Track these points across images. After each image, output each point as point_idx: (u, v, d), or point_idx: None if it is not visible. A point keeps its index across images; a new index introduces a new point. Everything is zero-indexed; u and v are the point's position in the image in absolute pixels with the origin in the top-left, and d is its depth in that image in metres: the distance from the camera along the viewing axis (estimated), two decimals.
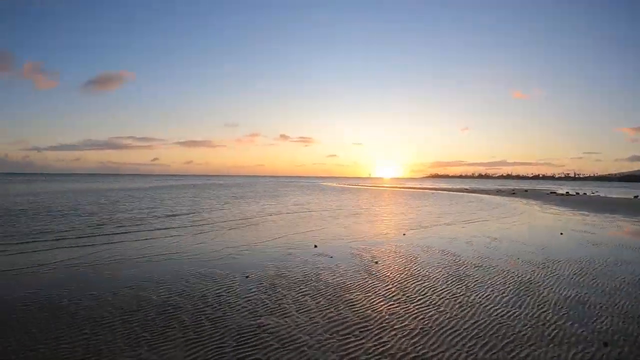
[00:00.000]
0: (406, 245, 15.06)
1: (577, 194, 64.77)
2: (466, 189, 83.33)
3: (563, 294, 9.03)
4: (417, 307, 8.18)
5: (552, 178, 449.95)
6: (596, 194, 69.26)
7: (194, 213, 26.18)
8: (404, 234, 17.85)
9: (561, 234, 18.49)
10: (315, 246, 14.76)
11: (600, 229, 20.73)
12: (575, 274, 10.93)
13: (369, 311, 7.86)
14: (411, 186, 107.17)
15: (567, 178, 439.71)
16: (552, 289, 9.47)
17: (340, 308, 8.00)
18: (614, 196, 60.07)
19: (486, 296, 8.89)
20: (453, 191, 72.78)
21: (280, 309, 7.90)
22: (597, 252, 14.11)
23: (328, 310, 7.84)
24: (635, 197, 56.88)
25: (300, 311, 7.79)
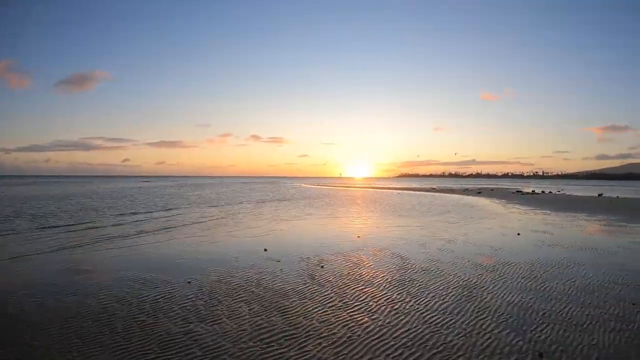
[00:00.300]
0: (357, 248, 14.53)
1: (543, 192, 65.45)
2: (434, 189, 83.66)
3: (506, 300, 8.55)
4: (350, 314, 7.69)
5: (521, 176, 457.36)
6: (562, 192, 70.14)
7: (148, 212, 25.21)
8: (357, 237, 17.30)
9: (518, 234, 18.21)
10: (265, 250, 14.18)
11: (560, 228, 20.55)
12: (524, 277, 10.49)
13: (300, 318, 7.45)
14: (379, 186, 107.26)
15: (535, 176, 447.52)
16: (496, 294, 8.99)
17: (272, 315, 7.62)
18: (579, 194, 60.83)
19: (425, 302, 8.37)
20: (420, 191, 72.86)
21: (212, 315, 7.66)
22: (552, 253, 13.75)
23: (259, 317, 7.52)
24: (600, 195, 57.69)
25: (231, 318, 7.51)
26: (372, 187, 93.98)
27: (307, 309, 7.97)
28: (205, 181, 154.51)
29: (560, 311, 7.86)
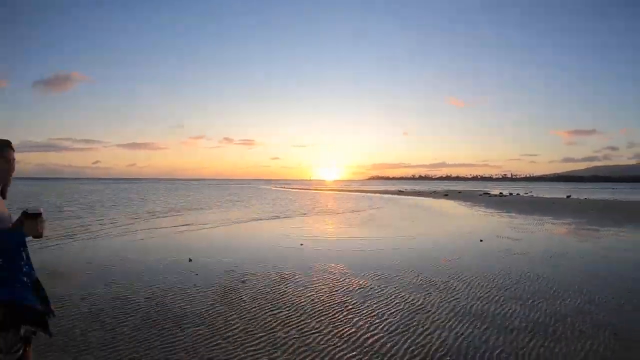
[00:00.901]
0: (293, 258, 12.48)
1: (511, 194, 64.60)
2: (401, 191, 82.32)
3: (454, 332, 6.50)
4: (245, 349, 5.73)
5: (490, 179, 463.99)
6: (529, 194, 69.57)
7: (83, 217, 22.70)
8: (301, 244, 15.20)
9: (481, 240, 16.40)
10: (190, 260, 12.04)
11: (525, 233, 18.89)
12: (480, 298, 8.42)
13: (181, 354, 5.53)
14: (346, 189, 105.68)
15: (504, 179, 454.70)
16: (442, 323, 6.91)
17: (151, 345, 5.84)
18: (547, 196, 60.13)
19: (348, 336, 6.27)
20: (388, 193, 71.35)
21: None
22: (515, 265, 11.83)
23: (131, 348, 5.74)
24: (568, 196, 56.96)
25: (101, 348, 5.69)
26: (339, 190, 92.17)
27: (196, 340, 6.00)
28: (176, 185, 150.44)
29: (522, 348, 5.90)
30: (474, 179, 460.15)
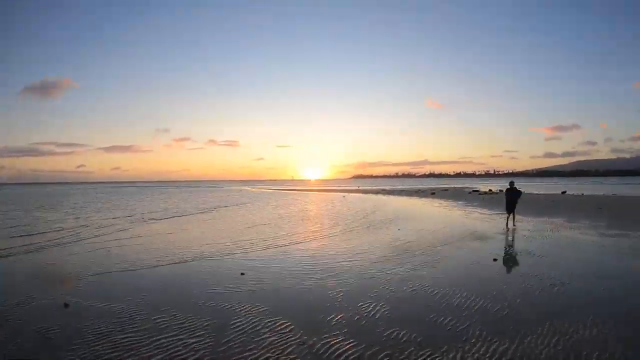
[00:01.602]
0: (222, 269, 7.48)
1: (501, 191, 59.93)
2: (384, 190, 77.54)
3: None
4: None
5: (473, 175, 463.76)
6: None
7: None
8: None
9: (495, 260, 11.51)
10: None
11: (546, 245, 14.10)
12: None
13: None
14: (327, 188, 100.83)
15: (487, 175, 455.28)
16: None
17: None
18: (541, 192, 55.80)
19: None
20: (369, 193, 66.41)
21: None
22: (555, 302, 7.14)
23: None
24: (564, 192, 52.63)
25: None
26: (318, 190, 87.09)
27: None
28: (152, 188, 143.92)
29: None
30: (457, 175, 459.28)
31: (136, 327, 6.71)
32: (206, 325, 6.71)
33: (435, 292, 8.48)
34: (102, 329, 6.63)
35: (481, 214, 26.44)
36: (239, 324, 6.78)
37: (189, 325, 6.71)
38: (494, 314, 7.03)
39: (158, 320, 6.98)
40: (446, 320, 6.77)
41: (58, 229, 20.78)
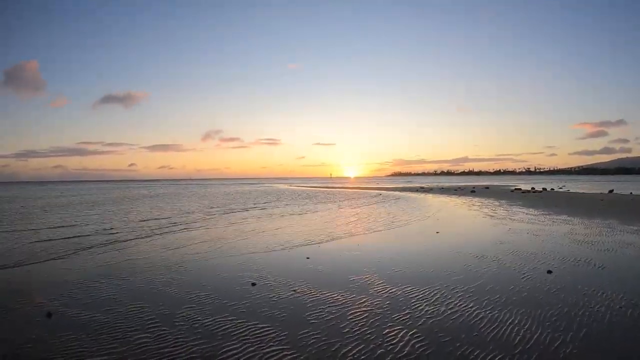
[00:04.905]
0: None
1: (544, 189, 57.81)
2: (422, 188, 76.04)
3: None
4: None
5: (513, 173, 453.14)
6: (564, 188, 63.03)
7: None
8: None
9: (549, 272, 10.46)
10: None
11: (603, 251, 12.93)
12: None
13: None
14: (363, 186, 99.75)
15: (528, 172, 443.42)
16: None
17: None
18: (586, 191, 53.50)
19: None
20: (405, 191, 65.01)
21: None
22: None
23: None
24: (611, 191, 50.29)
25: None
26: (356, 188, 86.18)
27: None
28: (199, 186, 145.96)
29: None
30: (497, 173, 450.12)
31: None
32: None
33: (478, 322, 7.62)
34: None
35: (527, 214, 25.10)
36: None
37: None
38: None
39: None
40: None
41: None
